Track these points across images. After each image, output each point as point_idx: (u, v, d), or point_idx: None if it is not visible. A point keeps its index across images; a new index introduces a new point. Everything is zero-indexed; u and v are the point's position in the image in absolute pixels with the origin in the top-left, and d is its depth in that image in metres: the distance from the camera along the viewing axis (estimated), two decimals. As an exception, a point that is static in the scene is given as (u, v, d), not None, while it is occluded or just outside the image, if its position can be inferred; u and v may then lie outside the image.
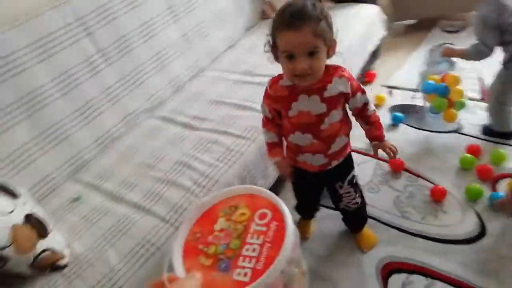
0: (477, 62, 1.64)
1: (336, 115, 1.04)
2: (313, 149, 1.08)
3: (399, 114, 1.94)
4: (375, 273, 1.30)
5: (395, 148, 1.16)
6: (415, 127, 1.89)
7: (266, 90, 1.08)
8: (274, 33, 0.95)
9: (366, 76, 1.81)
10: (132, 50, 1.70)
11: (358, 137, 1.22)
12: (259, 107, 1.53)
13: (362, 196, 1.33)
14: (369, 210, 1.53)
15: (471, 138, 1.75)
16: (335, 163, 1.14)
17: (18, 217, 0.99)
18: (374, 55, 2.30)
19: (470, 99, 1.96)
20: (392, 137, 1.84)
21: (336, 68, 1.02)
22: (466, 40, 2.37)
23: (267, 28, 0.97)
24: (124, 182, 1.34)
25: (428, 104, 1.78)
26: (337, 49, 0.99)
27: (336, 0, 2.23)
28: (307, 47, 0.90)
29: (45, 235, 1.05)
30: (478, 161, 1.61)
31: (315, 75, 0.96)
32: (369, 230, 1.42)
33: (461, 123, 1.83)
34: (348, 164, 1.21)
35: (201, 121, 1.56)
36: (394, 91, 2.18)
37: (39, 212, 1.08)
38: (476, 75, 2.09)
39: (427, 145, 1.78)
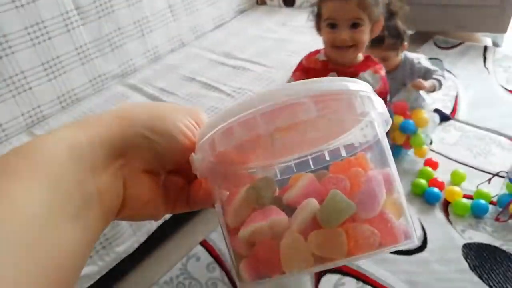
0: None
1: None
2: None
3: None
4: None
5: None
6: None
7: (300, 62, 1.10)
8: (320, 2, 1.00)
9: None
10: (113, 12, 1.67)
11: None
12: (226, 89, 1.53)
13: None
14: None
15: (438, 155, 1.73)
16: None
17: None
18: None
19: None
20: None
21: (375, 63, 1.00)
22: (456, 57, 2.37)
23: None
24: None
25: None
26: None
27: None
28: (350, 16, 0.92)
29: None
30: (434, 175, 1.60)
31: (356, 48, 0.95)
32: None
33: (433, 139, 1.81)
34: None
35: (167, 94, 1.54)
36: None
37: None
38: (454, 93, 2.09)
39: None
